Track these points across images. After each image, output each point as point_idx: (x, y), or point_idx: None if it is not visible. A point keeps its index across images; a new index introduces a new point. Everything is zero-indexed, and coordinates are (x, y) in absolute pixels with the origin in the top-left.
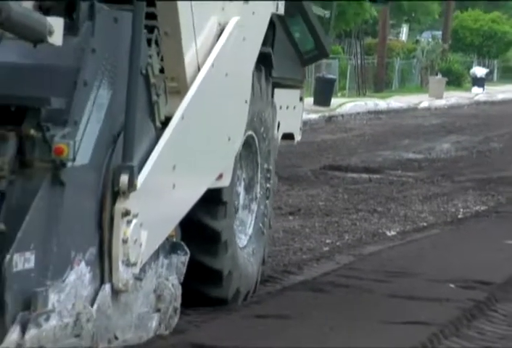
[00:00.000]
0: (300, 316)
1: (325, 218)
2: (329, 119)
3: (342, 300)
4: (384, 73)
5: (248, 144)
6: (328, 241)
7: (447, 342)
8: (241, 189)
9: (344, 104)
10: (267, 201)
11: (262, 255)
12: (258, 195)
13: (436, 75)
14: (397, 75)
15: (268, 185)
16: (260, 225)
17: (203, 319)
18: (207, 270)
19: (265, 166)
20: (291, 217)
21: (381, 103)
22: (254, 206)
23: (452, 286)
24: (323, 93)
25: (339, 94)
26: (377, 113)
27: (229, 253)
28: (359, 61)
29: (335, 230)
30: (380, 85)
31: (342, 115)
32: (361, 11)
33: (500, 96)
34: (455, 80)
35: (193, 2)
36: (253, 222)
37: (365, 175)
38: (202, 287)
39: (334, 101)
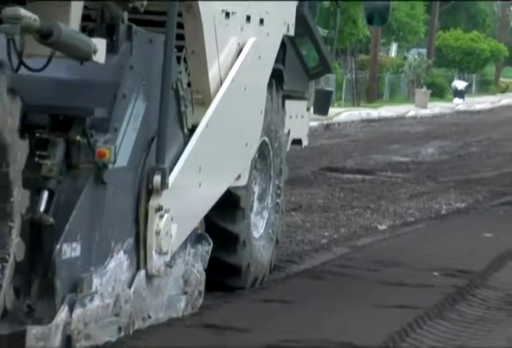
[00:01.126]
0: (301, 300)
1: (323, 214)
2: (327, 126)
3: (338, 286)
4: (376, 86)
5: (262, 151)
6: (326, 234)
7: (432, 323)
8: (254, 199)
9: (340, 113)
10: (276, 215)
11: (273, 251)
12: (269, 205)
13: (422, 87)
14: (387, 87)
15: (278, 200)
16: (270, 231)
17: (216, 303)
18: (228, 266)
19: (277, 182)
20: (293, 213)
21: (373, 112)
22: (265, 214)
23: (436, 273)
24: (322, 104)
25: (336, 104)
26: (369, 121)
27: (247, 250)
28: (353, 76)
29: (332, 224)
30: (372, 96)
31: (339, 123)
32: (355, 31)
33: (478, 107)
34: (438, 92)
35: (216, 25)
36: (264, 225)
37: (359, 176)
38: (225, 279)
39: (332, 110)
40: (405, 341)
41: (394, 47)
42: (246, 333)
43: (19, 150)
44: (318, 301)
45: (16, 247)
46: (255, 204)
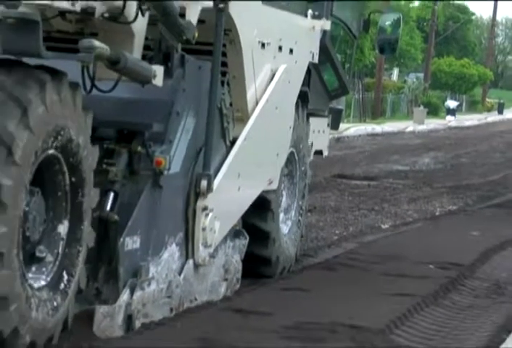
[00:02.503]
0: (316, 288)
1: (334, 214)
2: (338, 139)
3: (347, 277)
4: (380, 105)
5: (289, 161)
6: (336, 231)
7: (428, 309)
8: (283, 200)
9: (349, 128)
10: (300, 214)
11: (298, 246)
12: (295, 206)
13: (419, 106)
14: (389, 106)
15: (302, 202)
16: (295, 228)
17: (244, 290)
18: (261, 258)
19: (301, 186)
20: (308, 214)
21: (377, 127)
22: (292, 213)
23: (431, 266)
24: (334, 120)
25: (346, 121)
26: (374, 135)
27: (276, 244)
28: (361, 96)
29: (342, 223)
30: (376, 114)
31: (348, 137)
32: (362, 58)
33: (467, 123)
34: (433, 110)
35: (253, 54)
36: (291, 223)
37: (365, 182)
38: (258, 269)
39: (342, 125)
40: (404, 324)
41: (395, 72)
42: (269, 316)
43: (91, 155)
44: (330, 289)
45: (87, 236)
46: (283, 204)
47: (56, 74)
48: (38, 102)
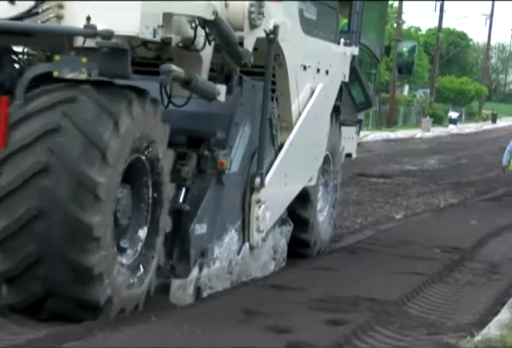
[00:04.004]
0: (340, 268)
1: (356, 206)
2: (359, 144)
3: (367, 258)
4: (393, 115)
5: (325, 162)
6: (358, 221)
7: (434, 285)
8: (320, 194)
9: (368, 135)
10: (334, 205)
11: (332, 232)
12: (329, 199)
13: (426, 117)
14: (401, 116)
15: (335, 195)
16: (330, 217)
17: (280, 269)
18: (302, 241)
19: (334, 183)
20: None
21: (391, 134)
22: (327, 205)
23: (437, 250)
24: None
25: (365, 128)
26: (388, 141)
27: (314, 230)
28: (377, 108)
29: (362, 214)
30: (390, 123)
31: (367, 142)
32: (379, 76)
33: (466, 130)
34: (438, 120)
35: (297, 75)
36: (326, 212)
37: (381, 180)
38: (300, 250)
39: (362, 133)
40: (415, 298)
41: (406, 88)
42: (301, 291)
43: (168, 157)
44: (353, 269)
45: (165, 222)
46: (320, 197)
47: (140, 92)
48: (126, 116)
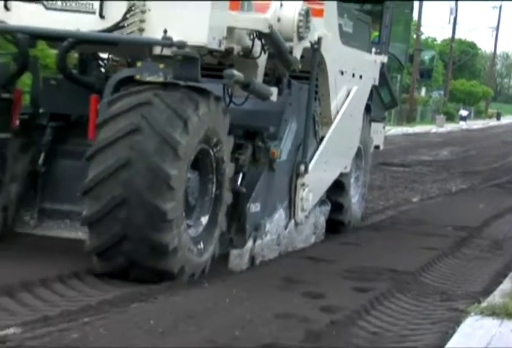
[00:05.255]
0: (366, 243)
1: (379, 191)
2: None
3: (389, 235)
4: (412, 113)
5: (358, 152)
6: (381, 203)
7: (446, 259)
8: (353, 179)
9: (390, 130)
10: (364, 189)
11: (363, 211)
12: (360, 183)
13: (440, 114)
14: (419, 114)
15: (365, 179)
16: (361, 198)
17: (315, 243)
18: (338, 221)
19: (364, 181)
20: None
21: (410, 129)
22: (359, 189)
23: (449, 228)
24: None
25: (387, 124)
26: (408, 135)
27: (348, 211)
28: (399, 107)
29: (384, 197)
30: (409, 119)
31: (389, 136)
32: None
33: (474, 127)
34: (450, 117)
35: (335, 79)
36: (358, 195)
37: (401, 168)
38: (336, 228)
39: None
40: (429, 269)
41: (423, 90)
42: (333, 262)
43: (228, 147)
44: (376, 244)
45: (226, 197)
46: (353, 182)
47: (206, 93)
48: (193, 116)
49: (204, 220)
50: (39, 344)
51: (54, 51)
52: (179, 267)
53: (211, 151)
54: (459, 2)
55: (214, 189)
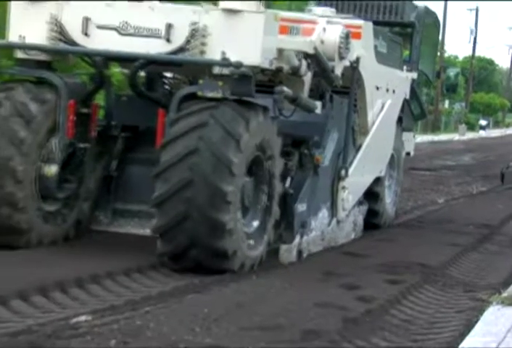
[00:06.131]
0: (397, 239)
1: (408, 193)
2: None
3: (418, 232)
4: (436, 123)
5: (391, 158)
6: (409, 203)
7: (469, 254)
8: (387, 182)
9: (417, 138)
10: (397, 189)
11: (396, 208)
12: (393, 184)
13: (462, 124)
14: (443, 124)
15: (398, 182)
16: (394, 198)
17: (353, 240)
18: (375, 212)
19: (398, 173)
20: None
21: (435, 137)
22: (392, 189)
23: (471, 226)
24: None
25: (415, 133)
26: (433, 143)
27: (382, 209)
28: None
29: (413, 198)
30: (434, 128)
31: (416, 143)
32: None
33: (493, 135)
34: (471, 127)
35: (372, 93)
36: (392, 194)
37: (427, 172)
38: (372, 221)
39: None
40: (455, 263)
41: (447, 102)
42: (368, 257)
43: (278, 145)
44: (407, 240)
45: (275, 211)
46: (387, 183)
47: (257, 106)
48: (245, 133)
49: (256, 224)
50: (107, 330)
51: (117, 70)
52: (233, 250)
53: (265, 163)
54: (479, 24)
55: (266, 200)
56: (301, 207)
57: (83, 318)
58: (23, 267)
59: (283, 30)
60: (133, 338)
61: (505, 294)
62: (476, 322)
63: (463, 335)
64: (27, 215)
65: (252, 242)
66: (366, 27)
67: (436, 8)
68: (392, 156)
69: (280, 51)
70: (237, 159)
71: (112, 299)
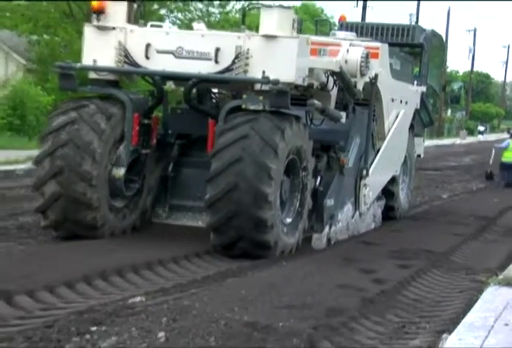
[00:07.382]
0: (407, 230)
1: (417, 190)
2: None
3: (424, 224)
4: (441, 129)
5: (404, 160)
6: (417, 199)
7: (470, 242)
8: (401, 179)
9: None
10: (410, 185)
11: (409, 200)
12: (406, 181)
13: (463, 130)
14: (446, 130)
15: (411, 178)
16: (408, 192)
17: (368, 230)
18: (391, 208)
19: (410, 172)
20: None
21: (439, 142)
22: (405, 185)
23: (471, 218)
24: None
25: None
26: (438, 147)
27: (398, 201)
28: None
29: (420, 194)
30: (439, 134)
31: (424, 147)
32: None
33: (490, 139)
34: (471, 132)
35: (388, 105)
36: (406, 189)
37: (433, 172)
38: (389, 214)
39: None
40: (457, 250)
41: (449, 111)
42: (381, 245)
43: (310, 147)
44: (415, 231)
45: (305, 219)
46: (401, 180)
47: (291, 116)
48: (281, 142)
49: (292, 215)
50: (158, 309)
51: (166, 87)
52: (274, 240)
53: (298, 158)
54: (477, 43)
55: (300, 194)
56: (329, 202)
57: (137, 299)
58: (87, 255)
59: (313, 52)
60: (181, 315)
61: (501, 276)
62: (476, 300)
63: (464, 312)
64: (101, 213)
65: (289, 232)
66: (383, 48)
67: (439, 29)
68: (406, 158)
69: (311, 70)
70: (275, 165)
71: (163, 282)
